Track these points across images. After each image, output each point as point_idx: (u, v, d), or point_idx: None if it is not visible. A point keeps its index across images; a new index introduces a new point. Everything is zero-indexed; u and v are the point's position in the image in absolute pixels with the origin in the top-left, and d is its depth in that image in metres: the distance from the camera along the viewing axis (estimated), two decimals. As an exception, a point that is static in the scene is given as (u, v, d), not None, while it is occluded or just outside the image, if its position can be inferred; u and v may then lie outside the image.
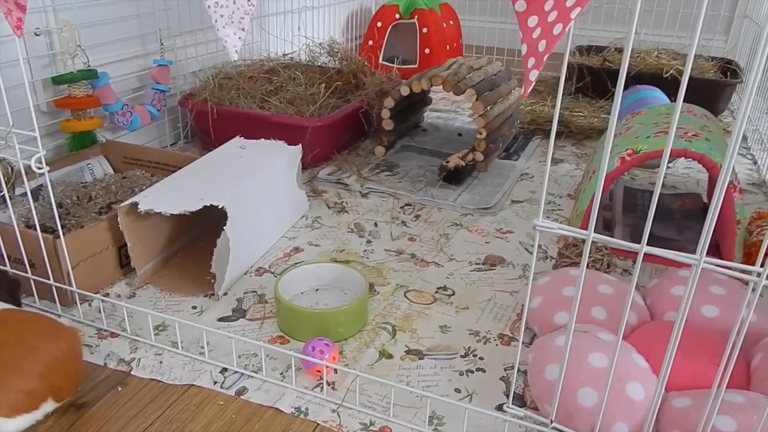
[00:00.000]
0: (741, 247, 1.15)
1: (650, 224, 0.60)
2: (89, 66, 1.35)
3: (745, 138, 1.93)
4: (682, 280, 0.99)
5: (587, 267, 1.14)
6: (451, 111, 2.20)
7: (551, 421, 0.77)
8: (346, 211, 1.43)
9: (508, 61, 2.83)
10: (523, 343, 0.99)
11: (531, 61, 0.58)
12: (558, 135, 1.94)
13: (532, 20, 0.56)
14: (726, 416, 0.73)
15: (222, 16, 0.75)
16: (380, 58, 2.63)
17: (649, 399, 0.78)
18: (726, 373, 0.62)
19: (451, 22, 2.74)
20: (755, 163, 1.75)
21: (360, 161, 1.71)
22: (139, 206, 1.04)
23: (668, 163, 1.67)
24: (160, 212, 1.04)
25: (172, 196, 1.09)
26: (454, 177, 1.58)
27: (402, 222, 1.39)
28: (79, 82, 1.32)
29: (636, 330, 0.92)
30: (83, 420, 0.82)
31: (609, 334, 0.87)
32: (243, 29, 0.77)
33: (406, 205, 1.48)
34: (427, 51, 2.60)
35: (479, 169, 1.66)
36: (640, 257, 0.63)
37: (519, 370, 0.93)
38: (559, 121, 1.92)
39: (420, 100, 1.97)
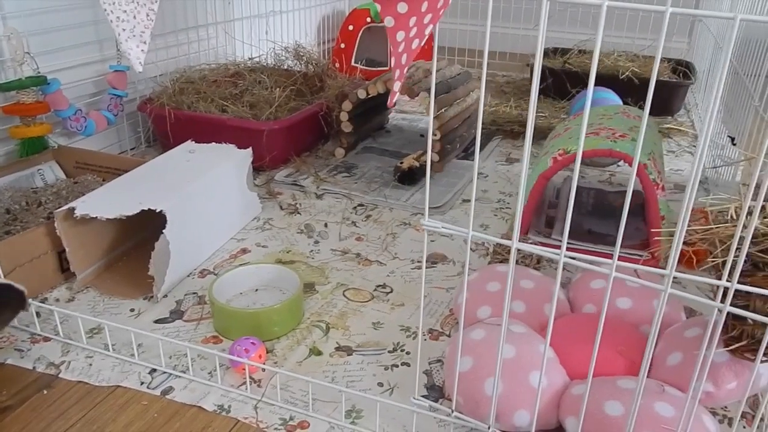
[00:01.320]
0: (666, 243, 1.17)
1: (567, 234, 0.63)
2: (38, 72, 1.36)
3: (695, 137, 1.96)
4: (600, 275, 1.01)
5: (516, 263, 1.16)
6: (417, 113, 2.21)
7: (452, 411, 0.79)
8: (298, 213, 1.45)
9: (479, 62, 2.86)
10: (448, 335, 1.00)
11: (396, 73, 0.60)
12: (516, 135, 1.96)
13: (400, 35, 0.59)
14: (616, 401, 0.76)
15: (124, 29, 0.77)
16: (352, 61, 2.65)
17: (551, 388, 0.81)
18: (591, 362, 0.64)
19: (422, 24, 2.76)
20: (715, 168, 1.76)
21: (319, 163, 1.73)
22: (75, 211, 1.06)
23: (616, 163, 1.70)
24: (96, 217, 1.06)
25: (111, 200, 1.11)
26: (408, 177, 1.59)
27: (352, 222, 1.41)
28: (28, 89, 1.34)
29: (553, 323, 0.95)
30: (4, 423, 0.84)
31: (523, 327, 0.89)
32: (145, 42, 0.79)
33: (359, 205, 1.50)
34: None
35: (435, 170, 1.68)
36: (560, 266, 0.65)
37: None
38: (518, 122, 1.95)
39: (382, 103, 1.99)
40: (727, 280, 0.59)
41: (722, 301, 0.74)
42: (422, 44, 0.59)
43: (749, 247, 0.69)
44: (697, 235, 0.76)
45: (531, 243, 1.15)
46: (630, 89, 2.03)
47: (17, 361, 0.95)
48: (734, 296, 0.73)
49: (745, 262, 0.70)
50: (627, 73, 2.09)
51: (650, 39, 2.51)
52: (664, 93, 2.08)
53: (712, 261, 0.74)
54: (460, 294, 1.03)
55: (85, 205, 1.08)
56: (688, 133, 2.02)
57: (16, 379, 0.91)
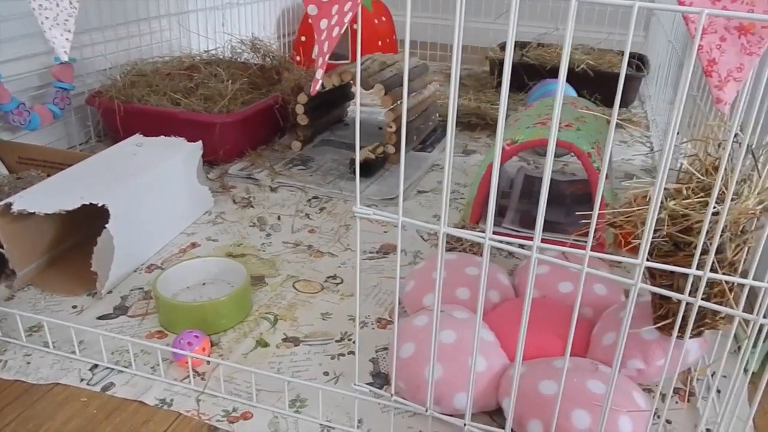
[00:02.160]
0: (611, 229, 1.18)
1: (493, 214, 0.63)
2: (-23, 66, 1.33)
3: (647, 128, 1.99)
4: (545, 261, 1.02)
5: (465, 251, 1.16)
6: (376, 105, 2.20)
7: (391, 395, 0.80)
8: (251, 206, 1.44)
9: (441, 56, 2.87)
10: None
11: (320, 61, 0.60)
12: (474, 127, 1.97)
13: (323, 23, 0.58)
14: (551, 381, 0.78)
15: (47, 18, 0.75)
16: (313, 54, 2.63)
17: (490, 370, 0.82)
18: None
19: (384, 19, 2.75)
20: (652, 150, 1.80)
21: (275, 156, 1.71)
22: (13, 207, 1.03)
23: (569, 153, 1.71)
24: (35, 213, 1.03)
25: (52, 195, 1.08)
26: (363, 170, 1.59)
27: (306, 215, 1.40)
28: (-33, 83, 1.30)
29: (496, 307, 0.96)
30: (-63, 422, 0.82)
31: (465, 312, 0.90)
32: (69, 30, 0.77)
33: (314, 198, 1.49)
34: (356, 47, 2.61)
35: (392, 162, 1.68)
36: (487, 250, 0.66)
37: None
38: (475, 114, 1.96)
39: (341, 95, 1.98)
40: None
41: (650, 280, 0.76)
42: (342, 32, 0.59)
43: (670, 228, 0.71)
44: (621, 217, 0.78)
45: (479, 231, 1.16)
46: (585, 81, 2.06)
47: (-49, 362, 0.92)
48: (659, 276, 0.76)
49: (666, 242, 0.73)
50: (582, 66, 2.11)
51: (606, 32, 2.54)
52: (618, 84, 2.10)
53: (635, 242, 0.75)
54: (409, 282, 1.04)
55: (23, 200, 1.05)
56: (641, 123, 2.05)
57: (-51, 380, 0.89)
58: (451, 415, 0.79)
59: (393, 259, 1.22)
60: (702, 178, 0.75)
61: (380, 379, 0.91)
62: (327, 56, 0.60)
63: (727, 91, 0.57)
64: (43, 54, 1.59)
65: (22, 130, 1.52)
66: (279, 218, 1.38)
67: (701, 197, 0.72)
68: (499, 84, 2.26)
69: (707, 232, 0.60)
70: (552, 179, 1.55)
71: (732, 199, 0.72)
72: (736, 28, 0.56)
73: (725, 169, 0.60)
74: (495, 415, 0.85)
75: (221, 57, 2.01)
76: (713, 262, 0.68)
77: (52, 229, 1.16)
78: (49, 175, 1.31)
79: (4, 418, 0.82)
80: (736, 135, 0.62)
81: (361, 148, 1.68)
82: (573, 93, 1.87)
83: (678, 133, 1.52)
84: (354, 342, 0.98)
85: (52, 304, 1.06)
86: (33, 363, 0.93)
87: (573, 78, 1.97)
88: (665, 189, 0.75)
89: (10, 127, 1.49)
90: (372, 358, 0.95)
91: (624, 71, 0.55)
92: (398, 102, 1.65)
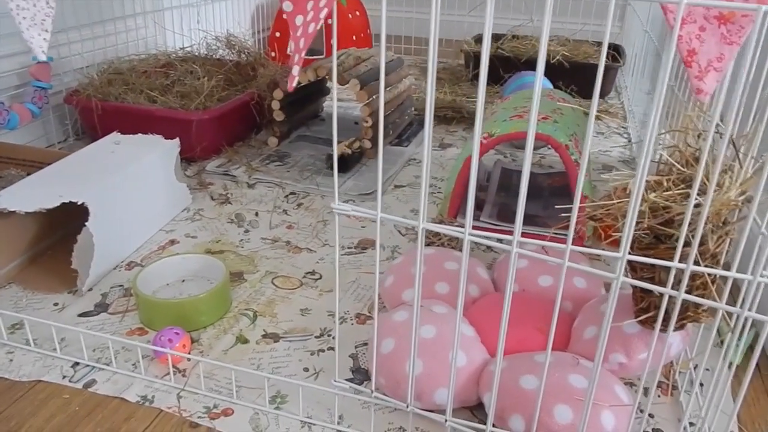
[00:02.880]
0: (590, 222, 1.21)
1: (470, 216, 0.65)
2: (-47, 65, 1.32)
3: (624, 119, 2.03)
4: (525, 255, 1.05)
5: (443, 246, 1.19)
6: (352, 101, 2.22)
7: (372, 391, 0.82)
8: (229, 203, 1.45)
9: (416, 49, 2.89)
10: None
11: (296, 57, 0.61)
12: (449, 120, 1.99)
13: (299, 19, 0.60)
14: (531, 375, 0.79)
15: (25, 18, 0.76)
16: (288, 49, 2.63)
17: (470, 365, 0.84)
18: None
19: (358, 13, 2.76)
20: (630, 141, 1.84)
21: (252, 153, 1.72)
22: (-8, 206, 1.04)
23: (546, 146, 1.74)
24: (15, 211, 1.04)
25: (31, 193, 1.09)
26: (340, 165, 1.61)
27: (284, 211, 1.42)
28: (-58, 83, 1.30)
29: (476, 302, 0.98)
30: None
31: (445, 307, 0.92)
32: (47, 30, 0.78)
33: (291, 194, 1.50)
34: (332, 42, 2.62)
35: (368, 156, 1.70)
36: (466, 245, 0.67)
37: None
38: (451, 107, 1.98)
39: (316, 91, 2.00)
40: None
41: (632, 273, 0.78)
42: (317, 28, 0.60)
43: (651, 220, 0.71)
44: (601, 210, 0.79)
45: (457, 225, 1.19)
46: (561, 73, 2.09)
47: (-69, 361, 0.93)
48: (640, 269, 0.77)
49: (647, 235, 0.73)
50: (558, 57, 2.14)
51: (581, 23, 2.57)
52: (594, 75, 2.13)
53: (615, 234, 0.77)
54: (387, 277, 1.06)
55: (3, 199, 1.06)
56: (617, 114, 2.08)
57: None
58: (432, 411, 0.80)
59: (371, 254, 1.24)
60: (683, 169, 0.74)
61: (360, 374, 0.93)
62: (303, 52, 0.61)
63: (707, 81, 0.57)
64: (21, 54, 1.59)
65: (1, 130, 1.52)
66: (257, 214, 1.40)
67: (682, 189, 0.72)
68: (475, 77, 2.29)
69: (689, 224, 0.60)
70: (530, 172, 1.59)
71: (714, 191, 0.74)
72: (715, 17, 0.55)
73: (706, 160, 0.59)
74: (476, 410, 0.86)
75: (197, 54, 2.01)
76: (695, 255, 0.67)
77: (32, 227, 1.17)
78: (28, 174, 1.32)
79: (-13, 417, 0.84)
80: (717, 125, 0.63)
81: (337, 143, 1.69)
82: (549, 85, 1.90)
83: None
84: (334, 338, 1.00)
85: (34, 301, 1.07)
86: (15, 360, 0.94)
87: (548, 70, 2.00)
88: (645, 181, 0.77)
89: (-10, 127, 1.49)
90: (352, 354, 0.97)
91: (603, 63, 0.54)
92: (374, 96, 1.67)
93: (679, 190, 0.72)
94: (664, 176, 0.74)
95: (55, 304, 1.07)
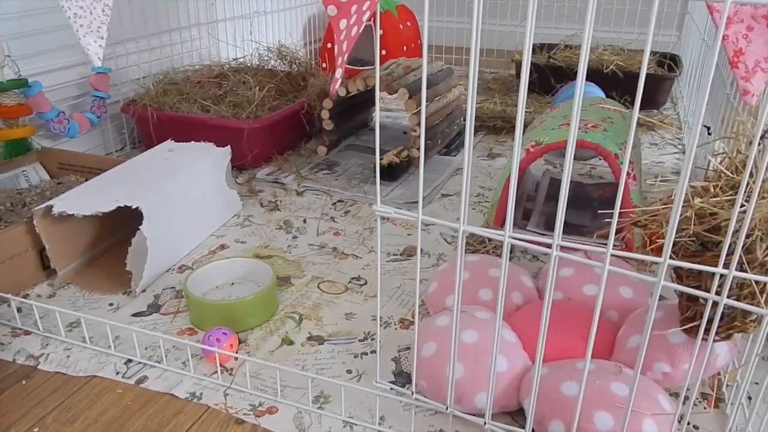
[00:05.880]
0: (639, 232, 1.19)
1: (513, 213, 0.65)
2: (20, 75, 1.39)
3: (679, 129, 1.99)
4: (570, 263, 1.04)
5: (488, 253, 1.19)
6: (401, 110, 2.24)
7: (413, 393, 0.82)
8: (278, 209, 1.48)
9: (467, 60, 2.89)
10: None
11: (339, 60, 0.63)
12: (499, 130, 1.99)
13: (343, 23, 0.61)
14: (573, 382, 0.79)
15: (82, 26, 0.80)
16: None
17: (511, 371, 0.83)
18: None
19: (409, 24, 2.79)
20: (684, 153, 1.80)
21: (301, 161, 1.75)
22: (53, 209, 1.09)
23: (597, 156, 1.71)
24: (74, 214, 1.09)
25: (89, 198, 1.14)
26: (387, 173, 1.62)
27: (331, 218, 1.44)
28: (10, 92, 1.37)
29: (519, 309, 0.97)
30: (-16, 411, 0.87)
31: (488, 313, 0.92)
32: (102, 37, 0.82)
33: (339, 201, 1.53)
34: (383, 52, 2.65)
35: (416, 165, 1.71)
36: (506, 247, 0.67)
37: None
38: (501, 117, 1.98)
39: (366, 100, 2.02)
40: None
41: (677, 281, 0.76)
42: (360, 31, 0.62)
43: (696, 227, 0.70)
44: (646, 217, 0.78)
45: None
46: (614, 83, 2.05)
47: (-3, 354, 0.98)
48: (686, 277, 0.76)
49: (693, 241, 0.72)
50: (611, 67, 2.11)
51: (636, 33, 2.53)
52: (650, 85, 2.09)
53: (659, 241, 0.76)
54: (431, 283, 1.06)
55: (62, 203, 1.10)
56: (672, 125, 2.04)
57: (-4, 371, 0.95)
58: (471, 414, 0.81)
59: (416, 261, 1.25)
60: (731, 175, 0.73)
61: (402, 378, 0.93)
62: (346, 55, 0.62)
63: (754, 82, 0.56)
64: (80, 65, 1.66)
65: (62, 138, 1.59)
66: (305, 221, 1.42)
67: (730, 195, 0.70)
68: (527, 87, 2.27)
69: (736, 231, 0.59)
70: (578, 182, 1.57)
71: (763, 197, 0.70)
72: (764, 17, 0.53)
73: (754, 165, 0.58)
74: (516, 415, 0.86)
75: (249, 65, 2.07)
76: (743, 263, 0.66)
77: (89, 230, 1.22)
78: (86, 180, 1.38)
79: (47, 406, 0.87)
80: (766, 132, 0.61)
81: (385, 152, 1.71)
82: (601, 94, 1.88)
83: (710, 133, 1.53)
84: (377, 341, 1.01)
85: (91, 301, 1.12)
86: (72, 356, 0.98)
87: (602, 79, 1.98)
88: (692, 187, 0.74)
89: (51, 135, 1.56)
90: (394, 358, 0.98)
91: (645, 68, 0.53)
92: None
93: (726, 196, 0.70)
94: (711, 182, 0.73)
95: (110, 304, 1.11)
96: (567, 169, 0.60)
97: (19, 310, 1.06)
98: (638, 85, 0.53)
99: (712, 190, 0.73)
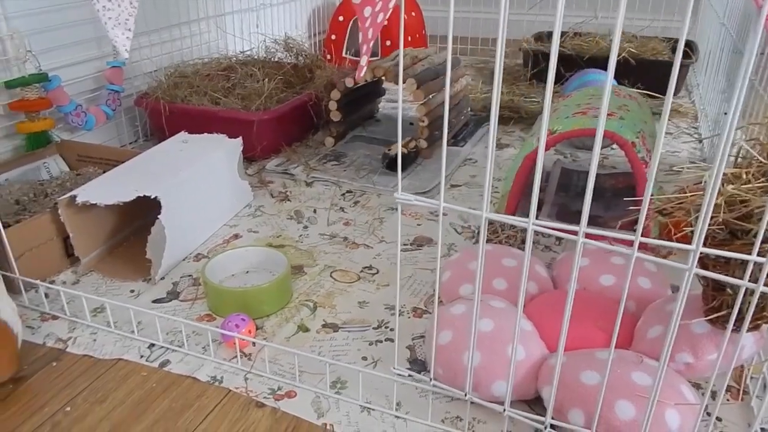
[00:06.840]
0: (657, 221, 1.20)
1: (537, 194, 0.67)
2: (40, 70, 1.43)
3: (695, 118, 2.00)
4: (586, 253, 1.06)
5: (501, 243, 1.22)
6: (406, 101, 2.27)
7: (431, 380, 0.85)
8: (288, 200, 1.52)
9: (472, 50, 2.92)
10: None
11: (364, 48, 0.65)
12: (507, 120, 2.01)
13: (367, 10, 0.63)
14: (593, 371, 0.80)
15: (110, 18, 0.83)
16: (342, 52, 2.70)
17: (529, 359, 0.85)
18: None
19: (413, 14, 2.81)
20: (700, 141, 1.82)
21: (309, 152, 1.79)
22: (77, 198, 1.13)
23: (610, 146, 1.73)
24: (96, 204, 1.13)
25: (110, 188, 1.18)
26: (395, 164, 1.66)
27: (341, 208, 1.48)
28: (31, 86, 1.40)
29: (535, 298, 1.00)
30: (18, 391, 0.92)
31: (503, 302, 0.94)
32: (130, 29, 0.85)
33: (348, 192, 1.56)
34: (388, 43, 2.68)
35: (423, 156, 1.74)
36: (530, 233, 0.69)
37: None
38: (509, 107, 2.00)
39: (372, 91, 2.05)
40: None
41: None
42: (386, 18, 0.64)
43: (726, 214, 0.69)
44: (671, 204, 0.77)
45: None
46: (626, 70, 2.05)
47: (29, 337, 1.03)
48: (713, 266, 0.71)
49: (722, 230, 0.70)
50: (624, 54, 2.10)
51: (649, 19, 2.51)
52: (663, 72, 2.06)
53: (686, 229, 0.75)
54: (444, 272, 1.09)
55: (85, 193, 1.14)
56: (688, 113, 2.02)
57: (28, 353, 0.99)
58: (489, 401, 0.82)
59: (427, 251, 1.29)
60: (764, 161, 0.71)
61: (417, 365, 0.97)
62: (371, 42, 0.64)
63: None
64: (96, 59, 1.70)
65: (80, 130, 1.63)
66: (315, 211, 1.46)
67: (762, 182, 0.68)
68: (534, 76, 2.30)
69: None
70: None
71: None
72: None
73: None
74: (533, 404, 0.88)
75: (256, 57, 2.10)
76: None
77: (110, 219, 1.26)
78: (104, 172, 1.42)
79: (77, 387, 0.92)
80: None
81: (392, 142, 1.75)
82: (613, 82, 1.90)
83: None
84: (392, 329, 1.05)
85: (113, 288, 1.16)
86: (98, 340, 1.02)
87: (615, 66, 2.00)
88: (722, 173, 0.74)
89: (70, 128, 1.60)
90: (408, 345, 1.01)
91: (679, 58, 0.51)
92: (430, 96, 1.71)
93: (759, 183, 0.68)
94: (743, 169, 0.72)
95: (131, 291, 1.15)
96: (594, 159, 0.60)
97: (46, 295, 1.10)
98: (672, 70, 0.53)
99: (743, 176, 0.71)
